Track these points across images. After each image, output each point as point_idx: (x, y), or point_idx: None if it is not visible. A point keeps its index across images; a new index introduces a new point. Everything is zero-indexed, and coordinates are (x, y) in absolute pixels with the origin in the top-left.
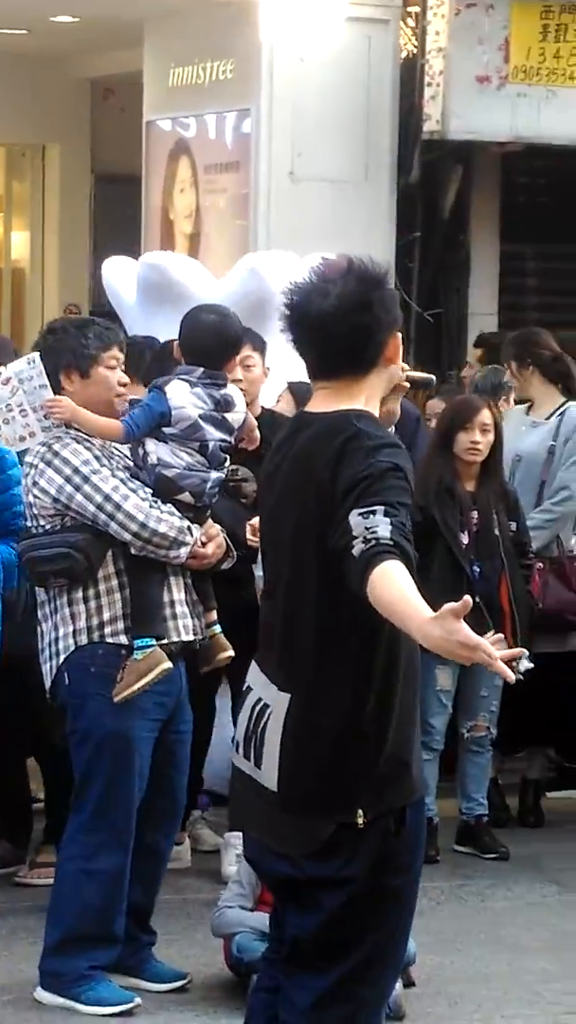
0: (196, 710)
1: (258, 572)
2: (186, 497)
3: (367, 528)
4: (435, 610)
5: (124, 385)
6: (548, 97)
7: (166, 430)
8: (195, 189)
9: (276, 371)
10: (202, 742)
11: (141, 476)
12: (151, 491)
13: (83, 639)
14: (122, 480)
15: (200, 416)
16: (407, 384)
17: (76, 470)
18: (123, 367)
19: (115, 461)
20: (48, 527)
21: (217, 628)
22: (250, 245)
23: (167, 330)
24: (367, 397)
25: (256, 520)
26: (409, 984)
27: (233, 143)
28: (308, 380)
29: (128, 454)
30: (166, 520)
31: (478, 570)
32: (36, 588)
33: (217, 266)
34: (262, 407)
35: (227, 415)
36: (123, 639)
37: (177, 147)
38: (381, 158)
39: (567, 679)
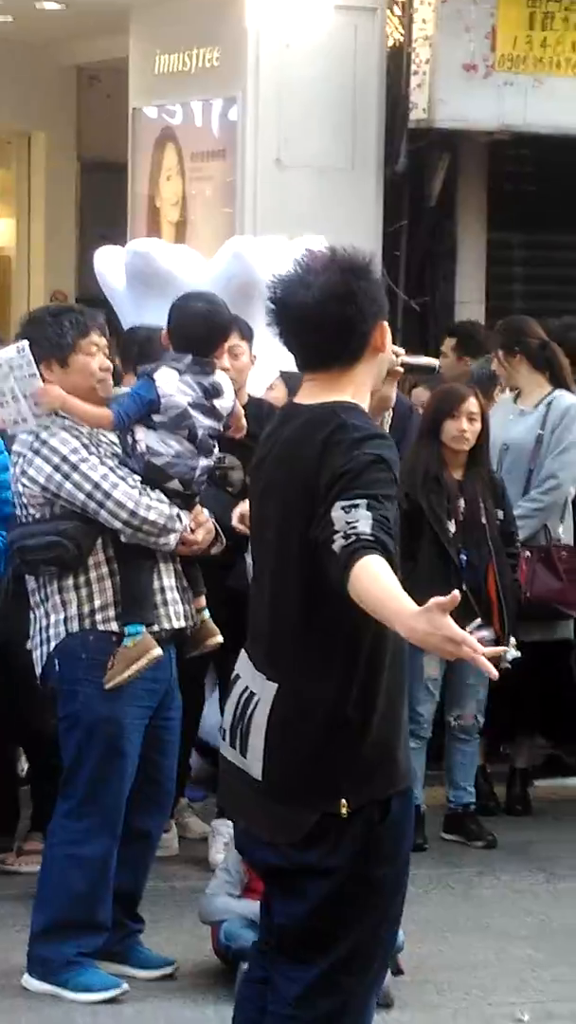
0: (183, 696)
1: (248, 559)
2: (175, 485)
3: (348, 523)
4: (423, 600)
5: (106, 370)
6: (535, 86)
7: (155, 418)
8: (181, 177)
9: (263, 358)
10: (189, 729)
11: (130, 463)
12: (140, 478)
13: (74, 626)
14: (111, 468)
15: (189, 404)
16: (401, 370)
17: (64, 459)
18: (106, 351)
19: (103, 448)
20: (38, 516)
21: (206, 613)
22: (236, 233)
23: (156, 318)
24: (356, 387)
25: (244, 507)
26: (397, 972)
27: (219, 130)
28: None
29: (116, 441)
30: (155, 507)
31: (465, 558)
32: (26, 576)
33: (203, 254)
34: (249, 395)
35: (216, 402)
36: (114, 626)
37: (163, 134)
38: (368, 146)
39: (554, 668)
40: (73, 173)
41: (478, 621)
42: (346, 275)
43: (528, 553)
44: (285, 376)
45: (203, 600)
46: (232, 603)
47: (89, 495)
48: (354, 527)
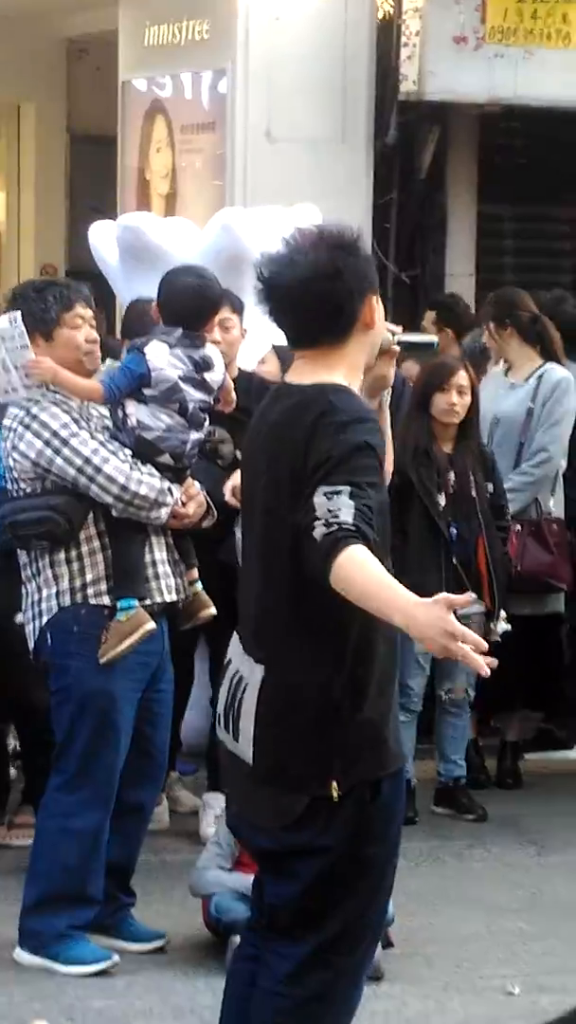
0: (175, 669)
1: (239, 533)
2: (166, 459)
3: (330, 511)
4: (414, 576)
5: (92, 342)
6: (525, 58)
7: (146, 391)
8: (171, 149)
9: (254, 331)
10: (180, 701)
11: (120, 437)
12: (131, 452)
13: (66, 600)
14: (101, 442)
15: (180, 377)
16: (397, 349)
17: (55, 433)
18: (92, 323)
19: (94, 423)
20: (29, 490)
21: (199, 585)
22: (226, 205)
23: (148, 291)
24: (348, 365)
25: (236, 480)
26: (387, 945)
27: (209, 103)
28: None
29: (107, 415)
30: (146, 482)
31: (455, 532)
32: (18, 551)
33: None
34: (239, 369)
35: (206, 376)
36: (105, 600)
37: (153, 107)
38: (358, 119)
39: (544, 641)
40: (63, 145)
41: (472, 596)
42: (333, 252)
43: (519, 527)
44: (277, 349)
45: (195, 572)
46: (223, 577)
47: (80, 470)
48: (336, 515)
